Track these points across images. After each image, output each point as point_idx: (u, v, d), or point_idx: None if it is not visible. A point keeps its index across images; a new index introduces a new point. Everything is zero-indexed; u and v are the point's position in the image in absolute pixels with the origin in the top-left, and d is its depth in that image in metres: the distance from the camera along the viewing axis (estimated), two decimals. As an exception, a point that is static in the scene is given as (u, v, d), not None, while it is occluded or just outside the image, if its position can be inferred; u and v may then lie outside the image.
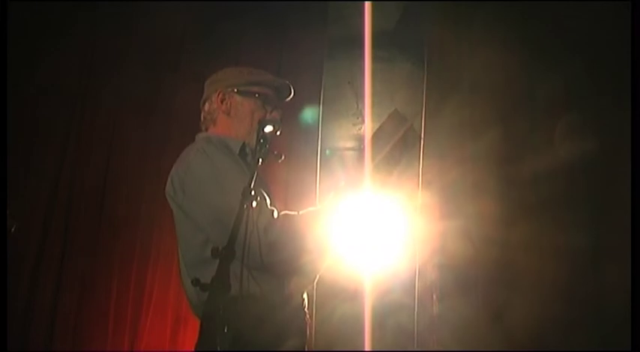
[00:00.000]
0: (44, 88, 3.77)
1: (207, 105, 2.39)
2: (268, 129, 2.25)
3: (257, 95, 2.35)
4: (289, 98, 2.44)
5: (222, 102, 2.35)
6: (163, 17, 3.67)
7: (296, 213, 2.19)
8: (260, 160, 2.10)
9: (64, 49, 3.80)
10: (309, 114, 3.47)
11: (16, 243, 3.29)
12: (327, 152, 3.34)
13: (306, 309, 2.25)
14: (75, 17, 3.84)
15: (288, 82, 2.43)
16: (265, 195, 2.20)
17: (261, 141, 2.17)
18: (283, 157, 2.35)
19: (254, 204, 1.92)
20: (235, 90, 2.35)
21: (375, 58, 3.20)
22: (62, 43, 3.78)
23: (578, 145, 3.30)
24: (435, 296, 3.36)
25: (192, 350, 2.09)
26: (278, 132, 2.31)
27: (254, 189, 1.94)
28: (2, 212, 2.84)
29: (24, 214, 3.46)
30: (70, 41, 3.81)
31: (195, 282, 1.83)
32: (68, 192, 3.72)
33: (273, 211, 2.13)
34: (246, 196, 1.91)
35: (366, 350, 2.96)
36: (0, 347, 2.70)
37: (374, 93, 3.18)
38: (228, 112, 2.34)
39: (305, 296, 2.26)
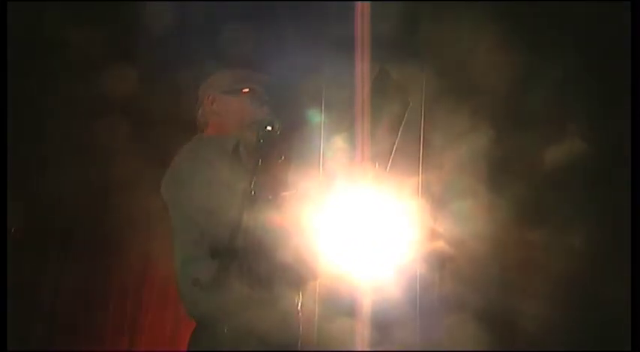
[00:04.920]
0: (44, 88, 3.78)
1: (200, 110, 2.46)
2: (268, 128, 2.27)
3: (244, 92, 2.40)
4: (279, 94, 2.48)
5: (212, 104, 2.42)
6: (164, 19, 3.67)
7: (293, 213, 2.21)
8: (260, 160, 2.12)
9: (64, 49, 3.80)
10: (309, 114, 3.47)
11: (16, 243, 3.29)
12: (328, 152, 3.34)
13: (299, 307, 2.27)
14: (75, 17, 3.84)
15: (273, 77, 2.49)
16: (263, 193, 2.21)
17: (261, 141, 2.19)
18: (283, 157, 2.37)
19: (253, 203, 1.93)
20: (223, 91, 2.41)
21: (374, 59, 3.20)
22: (62, 43, 3.79)
23: (578, 145, 3.31)
24: (434, 296, 3.36)
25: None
26: (278, 132, 2.33)
27: (252, 189, 1.96)
28: (2, 212, 2.85)
29: (24, 214, 3.46)
30: (70, 41, 3.81)
31: (195, 282, 1.85)
32: (68, 193, 3.73)
33: (271, 211, 2.15)
34: (245, 195, 1.92)
35: (366, 350, 2.96)
36: (0, 347, 2.71)
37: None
38: (218, 113, 2.41)
39: (300, 295, 2.28)
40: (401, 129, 2.34)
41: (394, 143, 2.32)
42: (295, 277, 2.22)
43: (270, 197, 2.26)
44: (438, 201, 3.42)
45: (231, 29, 3.71)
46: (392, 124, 2.33)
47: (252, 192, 1.98)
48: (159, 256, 3.63)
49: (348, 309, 2.98)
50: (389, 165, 2.32)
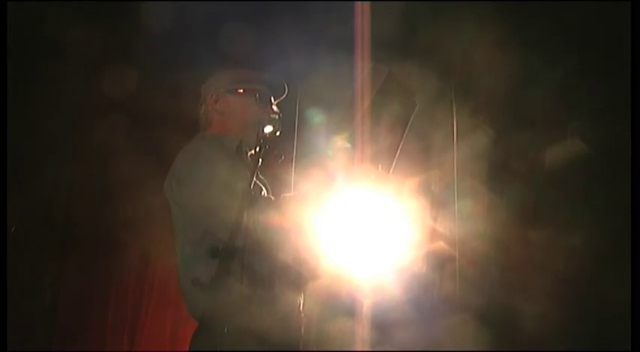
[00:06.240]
0: (44, 88, 3.78)
1: (202, 108, 2.46)
2: (268, 129, 2.27)
3: (249, 92, 2.39)
4: (284, 94, 2.48)
5: (215, 102, 2.41)
6: (164, 19, 3.67)
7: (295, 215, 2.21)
8: (260, 160, 2.12)
9: (64, 49, 3.80)
10: (309, 114, 3.47)
11: (16, 242, 3.29)
12: (329, 153, 3.34)
13: (301, 308, 2.27)
14: (75, 17, 3.84)
15: (278, 77, 2.48)
16: (265, 193, 2.22)
17: (261, 141, 2.19)
18: (283, 158, 2.37)
19: (253, 203, 1.94)
20: (228, 89, 2.41)
21: (373, 60, 3.20)
22: (62, 43, 3.78)
23: (578, 145, 3.31)
24: (434, 296, 3.37)
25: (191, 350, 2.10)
26: (278, 133, 2.33)
27: (254, 189, 1.96)
28: (2, 212, 2.84)
29: (24, 214, 3.46)
30: (70, 41, 3.81)
31: (196, 282, 1.85)
32: (68, 192, 3.73)
33: (272, 211, 2.15)
34: (246, 195, 1.93)
35: (366, 350, 2.96)
36: (0, 347, 2.71)
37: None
38: (222, 112, 2.41)
39: (302, 295, 2.29)
40: (406, 131, 2.34)
41: (398, 145, 2.32)
42: (296, 277, 2.22)
43: (271, 197, 2.27)
44: (438, 201, 3.41)
45: (231, 29, 3.71)
46: (395, 126, 2.33)
47: (253, 192, 1.99)
48: (159, 256, 3.63)
49: (348, 310, 2.98)
50: (392, 167, 2.32)
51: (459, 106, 3.43)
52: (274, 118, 2.35)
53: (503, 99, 3.47)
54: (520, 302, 3.25)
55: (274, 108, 2.44)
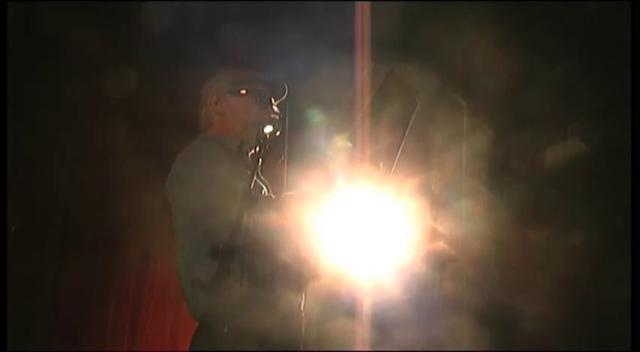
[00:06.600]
0: (44, 88, 3.78)
1: (203, 109, 2.46)
2: (268, 129, 2.27)
3: (249, 92, 2.39)
4: (284, 94, 2.48)
5: (216, 103, 2.42)
6: (164, 19, 3.67)
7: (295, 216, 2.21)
8: (260, 160, 2.12)
9: (64, 49, 3.79)
10: (309, 114, 3.47)
11: (16, 242, 3.29)
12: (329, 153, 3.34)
13: (302, 308, 2.27)
14: (75, 17, 3.84)
15: (279, 77, 2.48)
16: (266, 192, 2.23)
17: (261, 141, 2.20)
18: (283, 158, 2.38)
19: (254, 203, 1.94)
20: (228, 90, 2.41)
21: (373, 60, 3.21)
22: (62, 43, 3.78)
23: (578, 145, 3.31)
24: (434, 296, 3.37)
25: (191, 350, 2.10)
26: (278, 133, 2.33)
27: (254, 189, 1.97)
28: (2, 212, 2.84)
29: (24, 214, 3.46)
30: (70, 41, 3.81)
31: (196, 282, 1.85)
32: (68, 192, 3.73)
33: (272, 211, 2.15)
34: (246, 195, 1.93)
35: (366, 350, 2.96)
36: (0, 347, 2.71)
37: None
38: (222, 112, 2.41)
39: (303, 295, 2.29)
40: (408, 130, 2.34)
41: (400, 144, 2.32)
42: (296, 277, 2.22)
43: (271, 196, 2.27)
44: (438, 201, 3.42)
45: (232, 29, 3.71)
46: (396, 125, 2.33)
47: (254, 192, 1.99)
48: (159, 256, 3.63)
49: (348, 310, 2.98)
50: (394, 167, 2.32)
51: (459, 106, 3.43)
52: (274, 118, 2.36)
53: (503, 99, 3.47)
54: (520, 302, 3.25)
55: (274, 108, 2.45)
